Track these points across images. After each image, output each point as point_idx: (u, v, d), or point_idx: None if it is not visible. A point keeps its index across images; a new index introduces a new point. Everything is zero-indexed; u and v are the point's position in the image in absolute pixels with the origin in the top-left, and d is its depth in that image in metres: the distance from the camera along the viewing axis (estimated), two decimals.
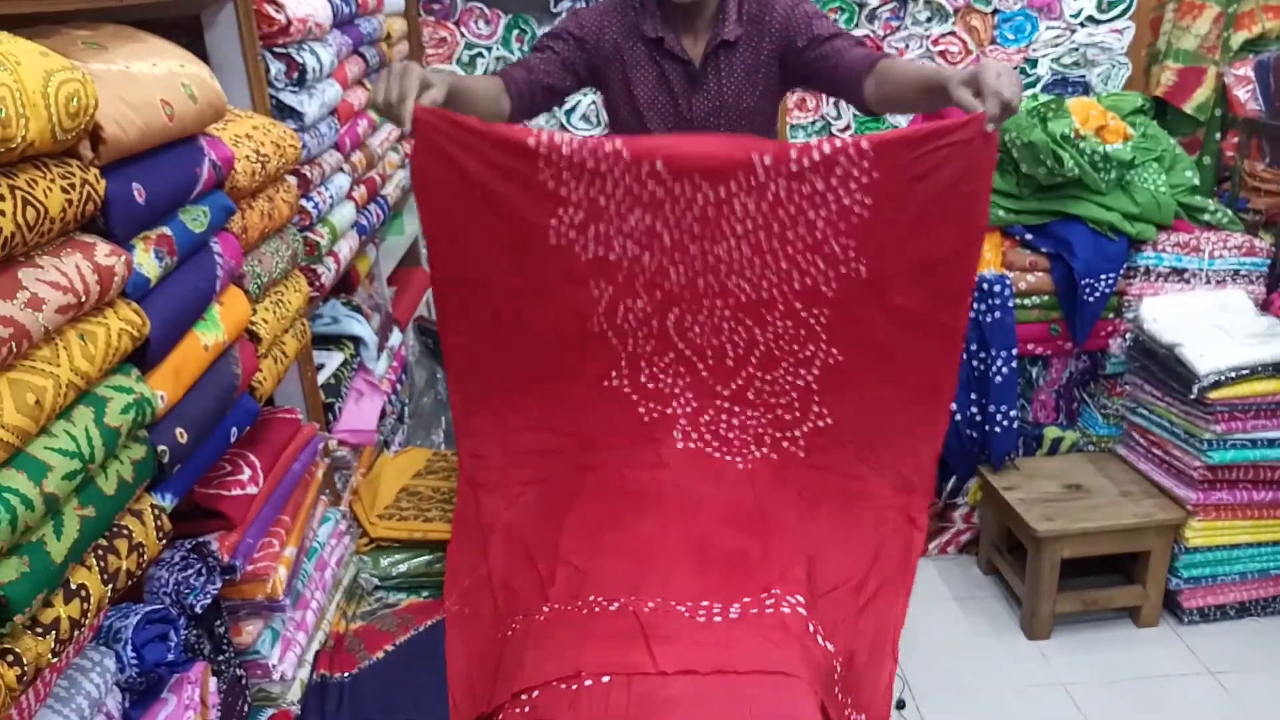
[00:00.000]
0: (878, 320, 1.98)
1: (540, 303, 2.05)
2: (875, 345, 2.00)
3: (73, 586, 1.02)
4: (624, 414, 2.13)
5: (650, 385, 2.13)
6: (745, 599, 1.77)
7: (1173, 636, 2.75)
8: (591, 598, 1.78)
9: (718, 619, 1.72)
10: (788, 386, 2.08)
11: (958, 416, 2.95)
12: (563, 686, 1.58)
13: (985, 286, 2.86)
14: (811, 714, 1.50)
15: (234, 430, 1.50)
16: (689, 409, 2.13)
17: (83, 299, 1.01)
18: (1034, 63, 3.70)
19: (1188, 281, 2.90)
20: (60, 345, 0.99)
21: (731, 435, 2.13)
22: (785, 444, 2.11)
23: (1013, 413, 2.91)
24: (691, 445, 2.13)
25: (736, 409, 2.12)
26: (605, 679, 1.56)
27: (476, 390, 2.16)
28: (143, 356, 1.19)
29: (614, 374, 2.12)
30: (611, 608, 1.74)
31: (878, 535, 2.01)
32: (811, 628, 1.72)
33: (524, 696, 1.62)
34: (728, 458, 2.12)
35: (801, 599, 1.75)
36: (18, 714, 1.00)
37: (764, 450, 2.12)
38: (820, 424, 2.09)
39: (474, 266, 2.02)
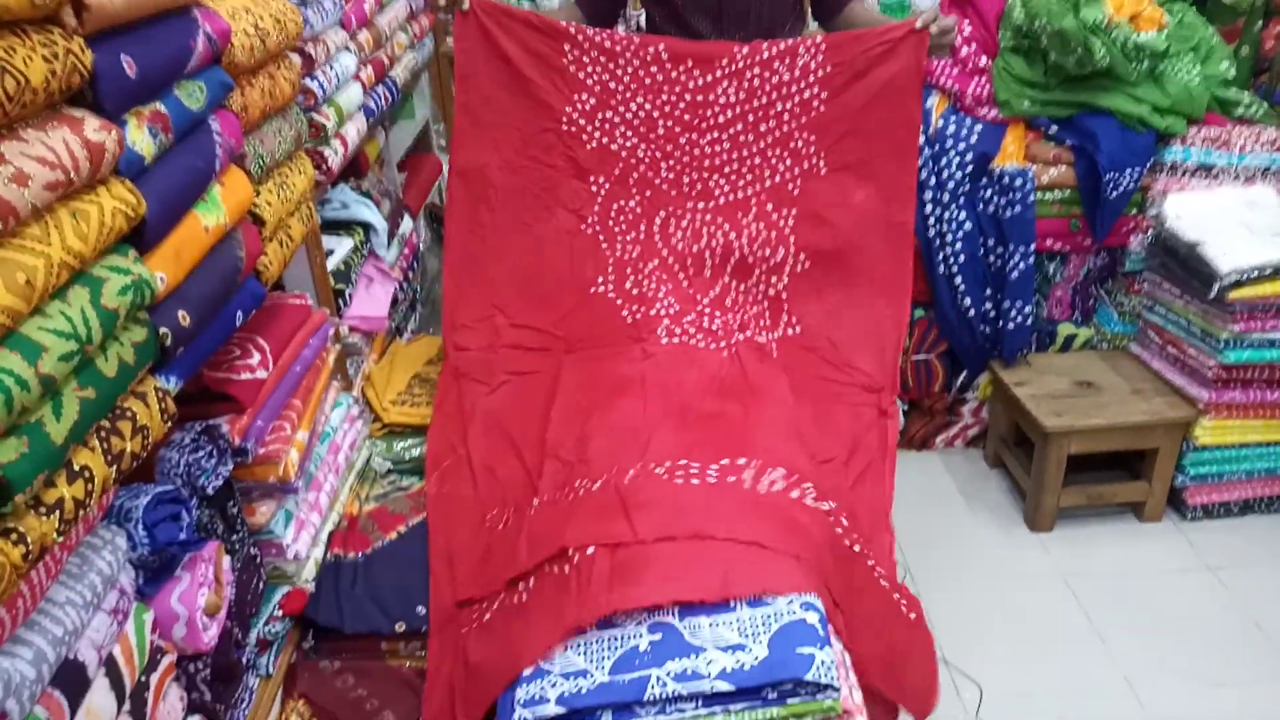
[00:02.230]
0: (838, 222, 2.24)
1: (543, 203, 2.28)
2: (837, 251, 2.25)
3: (76, 468, 1.02)
4: (610, 317, 2.29)
5: (635, 291, 2.30)
6: (724, 460, 1.80)
7: (1175, 532, 2.78)
8: (578, 483, 1.83)
9: (695, 480, 1.74)
10: (759, 295, 2.30)
11: (971, 312, 2.92)
12: (553, 569, 1.63)
13: (1006, 180, 2.79)
14: (788, 585, 1.50)
15: (239, 314, 1.49)
16: (672, 310, 2.30)
17: (72, 175, 0.98)
18: None
19: (1215, 178, 2.81)
20: (51, 224, 0.97)
21: (716, 327, 2.30)
22: (760, 342, 2.29)
23: (1027, 309, 2.88)
24: (675, 340, 2.27)
25: (715, 313, 2.31)
26: (590, 550, 1.61)
27: (469, 288, 2.30)
28: (140, 237, 1.17)
29: (601, 279, 2.30)
30: (594, 488, 1.79)
31: (855, 427, 2.12)
32: (797, 494, 1.73)
33: (519, 585, 1.67)
34: (711, 345, 2.26)
35: (783, 471, 1.77)
36: (29, 589, 1.02)
37: (746, 334, 2.28)
38: (789, 331, 2.28)
39: (491, 153, 2.25)
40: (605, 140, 2.26)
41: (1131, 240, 2.92)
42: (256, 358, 1.65)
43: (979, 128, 2.84)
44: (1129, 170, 2.78)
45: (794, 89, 2.20)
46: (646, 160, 2.26)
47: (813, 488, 1.77)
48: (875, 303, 2.24)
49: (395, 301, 2.64)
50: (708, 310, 2.29)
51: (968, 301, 2.91)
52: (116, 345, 1.10)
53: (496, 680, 1.51)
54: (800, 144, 2.23)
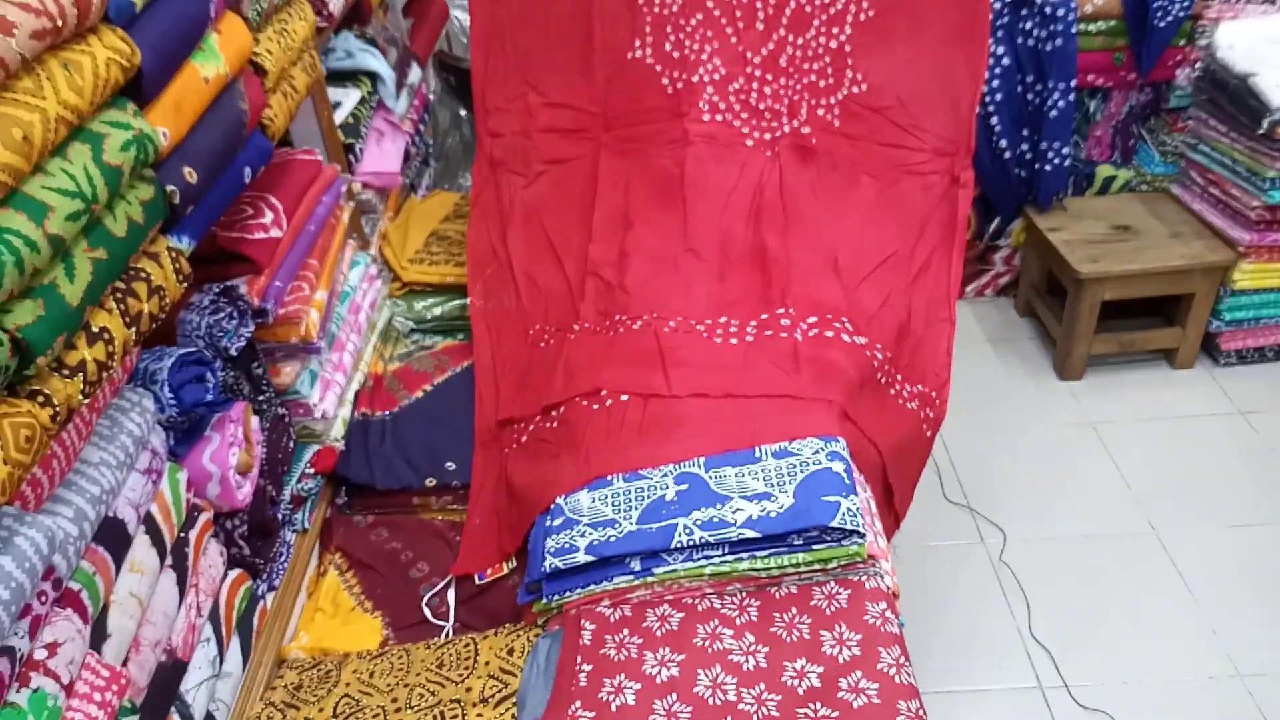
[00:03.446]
0: None
1: None
2: None
3: (94, 330, 1.01)
4: (648, 87, 2.11)
5: (676, 54, 2.09)
6: (763, 315, 1.82)
7: (1207, 378, 2.75)
8: (618, 316, 1.86)
9: (734, 340, 1.77)
10: (820, 49, 2.06)
11: (1006, 154, 2.81)
12: (585, 403, 1.68)
13: (1047, 10, 2.63)
14: (817, 429, 1.54)
15: (247, 170, 1.44)
16: (717, 76, 2.09)
17: (59, 23, 0.93)
18: None
19: (1273, 3, 2.64)
20: (43, 76, 0.92)
21: (762, 106, 2.09)
22: (820, 111, 2.08)
23: (1065, 149, 2.77)
24: (718, 118, 2.10)
25: (768, 76, 2.09)
26: (624, 397, 1.66)
27: (499, 63, 2.17)
28: (138, 90, 1.12)
29: (638, 43, 2.09)
30: (635, 326, 1.82)
31: (923, 203, 2.01)
32: (832, 333, 1.75)
33: (553, 412, 1.73)
34: (755, 134, 2.10)
35: (814, 319, 1.79)
36: (62, 450, 1.03)
37: (796, 122, 2.08)
38: (855, 89, 2.06)
39: None
40: None
41: (1178, 74, 2.77)
42: (269, 216, 1.61)
43: None
44: None
45: None
46: None
47: (848, 322, 1.79)
48: (948, 51, 2.01)
49: (408, 156, 2.57)
50: (758, 73, 2.08)
51: (1003, 143, 2.79)
52: (124, 204, 1.07)
53: (531, 508, 1.58)
54: None
